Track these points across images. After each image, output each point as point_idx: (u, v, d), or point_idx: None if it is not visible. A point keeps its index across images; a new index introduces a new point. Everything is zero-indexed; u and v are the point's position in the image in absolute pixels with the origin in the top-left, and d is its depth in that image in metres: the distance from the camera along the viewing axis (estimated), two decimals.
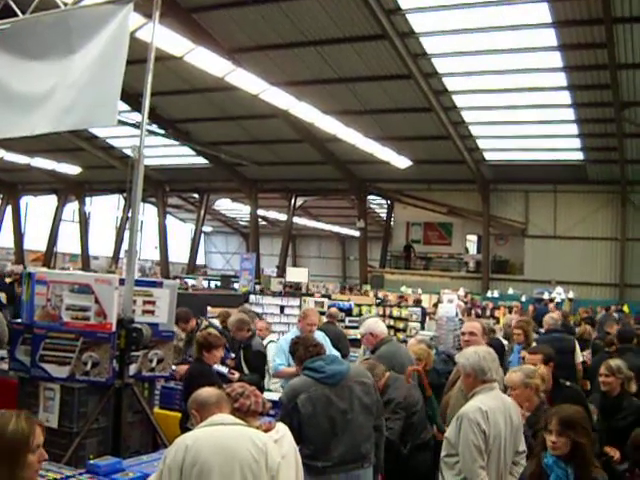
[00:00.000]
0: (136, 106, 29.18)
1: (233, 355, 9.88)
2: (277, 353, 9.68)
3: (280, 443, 4.97)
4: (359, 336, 9.63)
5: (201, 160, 43.70)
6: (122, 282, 6.48)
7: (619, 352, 10.92)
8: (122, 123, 27.34)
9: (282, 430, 5.20)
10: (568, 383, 7.19)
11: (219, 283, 40.78)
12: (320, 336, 9.86)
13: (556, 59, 26.85)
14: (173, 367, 8.61)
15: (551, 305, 24.88)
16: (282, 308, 18.89)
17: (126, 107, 30.32)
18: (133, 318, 6.36)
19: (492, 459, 5.69)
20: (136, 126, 24.20)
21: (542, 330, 13.16)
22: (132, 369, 6.56)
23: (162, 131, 36.66)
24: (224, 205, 58.71)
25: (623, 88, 27.35)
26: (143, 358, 6.75)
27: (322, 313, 16.80)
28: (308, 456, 5.50)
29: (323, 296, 23.13)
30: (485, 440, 5.62)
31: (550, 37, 25.44)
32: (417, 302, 26.63)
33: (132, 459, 5.45)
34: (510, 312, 23.63)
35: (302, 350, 6.37)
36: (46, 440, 3.36)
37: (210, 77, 25.75)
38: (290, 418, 5.88)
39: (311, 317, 9.85)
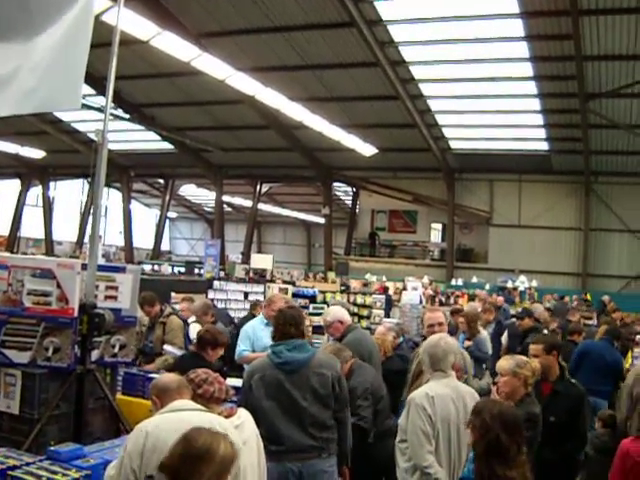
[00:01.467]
0: (101, 90, 28.91)
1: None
2: (242, 339, 9.64)
3: (241, 429, 4.96)
4: (323, 323, 9.56)
5: (166, 145, 43.44)
6: (84, 267, 6.43)
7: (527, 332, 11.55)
8: (86, 107, 27.13)
9: (244, 416, 5.19)
10: (574, 381, 7.21)
11: (183, 269, 40.65)
12: None
13: (523, 49, 27.01)
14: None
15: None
16: (246, 294, 18.82)
17: (91, 91, 30.04)
18: (95, 303, 6.30)
19: (441, 445, 5.71)
20: (101, 110, 24.04)
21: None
22: (94, 355, 6.50)
23: (127, 115, 36.43)
24: (189, 191, 58.62)
25: (588, 79, 27.58)
26: (105, 344, 6.71)
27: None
28: (264, 438, 5.49)
29: (287, 282, 23.11)
30: (432, 424, 5.66)
31: (517, 27, 25.56)
32: (385, 290, 26.74)
33: (94, 445, 5.40)
34: (473, 300, 23.83)
35: (274, 327, 6.35)
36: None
37: (176, 62, 25.66)
38: (245, 397, 5.98)
39: (277, 304, 9.79)
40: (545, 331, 13.44)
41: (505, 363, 6.39)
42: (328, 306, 14.72)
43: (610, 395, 10.38)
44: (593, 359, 10.44)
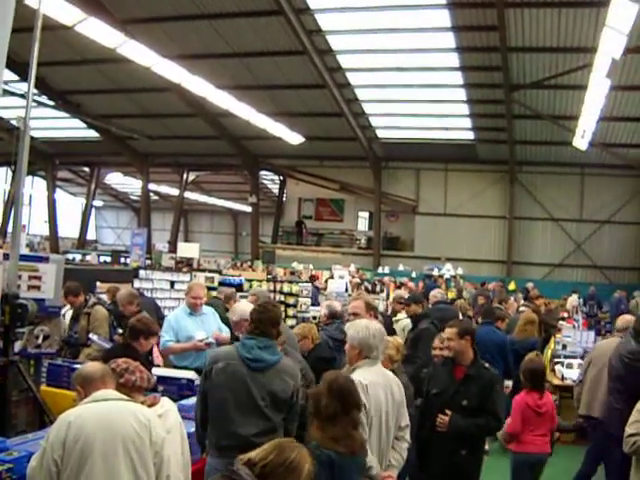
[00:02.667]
0: (24, 76, 28.40)
1: (121, 330, 9.73)
2: (165, 329, 9.40)
3: (165, 417, 4.96)
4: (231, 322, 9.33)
5: (92, 133, 42.90)
6: (7, 257, 6.34)
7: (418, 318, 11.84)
8: (8, 93, 26.70)
9: (167, 405, 5.19)
10: (487, 365, 7.31)
11: (109, 258, 40.23)
12: (210, 311, 9.82)
13: (449, 40, 27.29)
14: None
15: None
16: (172, 283, 18.70)
17: (14, 76, 29.54)
18: (18, 294, 6.22)
19: (373, 433, 5.74)
20: (24, 96, 23.64)
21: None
22: (17, 346, 6.43)
23: (52, 102, 35.90)
24: (115, 179, 57.95)
25: (513, 71, 28.04)
26: (29, 335, 6.65)
27: (212, 288, 16.81)
28: (215, 431, 5.48)
29: (214, 271, 22.99)
30: (366, 413, 5.65)
31: (444, 18, 25.83)
32: (312, 278, 26.80)
33: (17, 438, 5.36)
34: (400, 288, 24.00)
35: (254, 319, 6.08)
36: None
37: (102, 48, 25.33)
38: (203, 382, 5.90)
39: (195, 291, 9.72)
40: (460, 316, 13.66)
41: None
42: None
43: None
44: (485, 346, 10.63)
